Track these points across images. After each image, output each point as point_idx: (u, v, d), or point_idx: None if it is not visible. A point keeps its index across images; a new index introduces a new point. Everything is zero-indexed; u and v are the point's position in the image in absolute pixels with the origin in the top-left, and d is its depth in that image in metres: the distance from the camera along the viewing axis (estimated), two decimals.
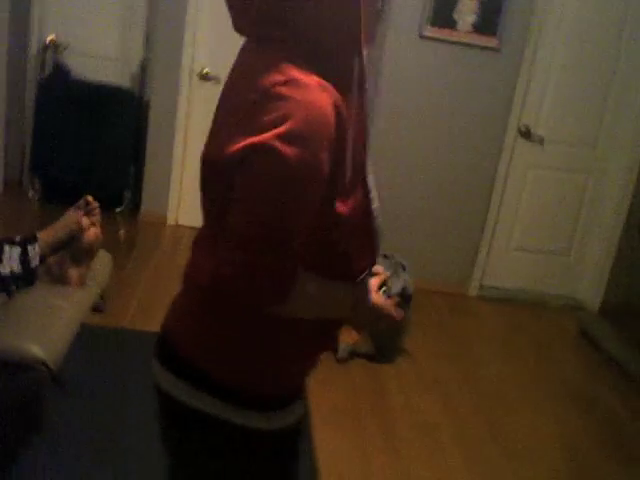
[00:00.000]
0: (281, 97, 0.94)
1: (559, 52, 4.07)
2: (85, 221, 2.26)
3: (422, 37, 3.93)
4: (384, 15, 1.06)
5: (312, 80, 0.96)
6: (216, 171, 1.03)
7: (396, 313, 1.19)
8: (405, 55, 3.96)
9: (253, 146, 0.93)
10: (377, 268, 1.23)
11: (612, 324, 4.01)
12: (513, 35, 3.98)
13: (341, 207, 1.03)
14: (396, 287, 3.34)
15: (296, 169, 0.93)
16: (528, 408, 3.18)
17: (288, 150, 0.91)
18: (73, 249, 2.23)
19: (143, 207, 4.53)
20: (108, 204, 4.31)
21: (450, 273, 4.35)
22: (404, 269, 3.93)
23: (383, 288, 1.21)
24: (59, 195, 4.44)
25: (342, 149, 0.99)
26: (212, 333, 1.09)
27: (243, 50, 1.11)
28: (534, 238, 4.40)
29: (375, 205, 1.13)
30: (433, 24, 3.92)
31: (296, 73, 0.96)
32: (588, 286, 4.41)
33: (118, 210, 4.46)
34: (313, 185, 0.96)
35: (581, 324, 4.12)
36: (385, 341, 3.34)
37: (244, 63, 1.09)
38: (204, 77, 4.33)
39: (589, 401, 3.37)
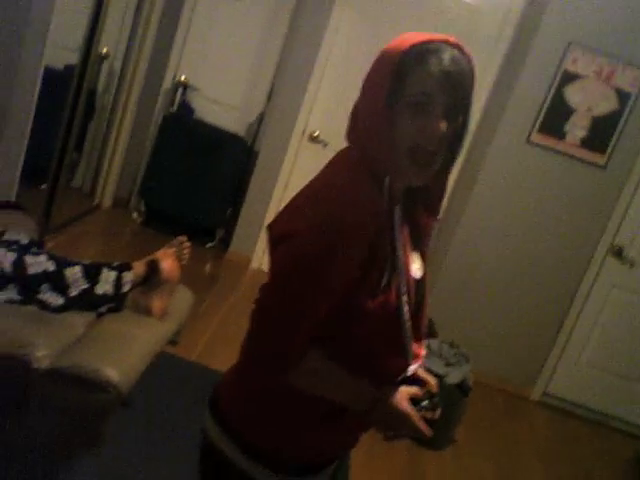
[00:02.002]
0: (327, 198, 1.08)
1: None
2: (161, 254, 2.43)
3: (529, 142, 4.01)
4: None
5: (361, 190, 1.09)
6: (269, 243, 1.18)
7: (424, 428, 1.21)
8: (509, 157, 4.04)
9: (287, 232, 1.08)
10: (427, 378, 1.29)
11: None
12: (622, 156, 4.00)
13: (367, 303, 1.12)
14: (456, 377, 3.36)
15: (315, 259, 1.05)
16: None
17: (313, 241, 1.05)
18: (152, 280, 2.40)
19: (232, 247, 4.75)
20: (201, 239, 4.59)
21: (515, 373, 4.31)
22: (467, 361, 3.95)
23: (424, 403, 1.22)
24: (159, 222, 4.75)
25: (375, 255, 1.10)
26: (245, 398, 1.22)
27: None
28: (608, 358, 4.30)
29: (405, 312, 1.18)
30: (541, 131, 4.00)
31: (350, 181, 1.10)
32: None
33: (208, 245, 4.71)
34: (331, 277, 1.06)
35: (639, 453, 3.98)
36: (439, 427, 3.35)
37: (332, 160, 1.24)
38: (314, 139, 4.55)
39: None
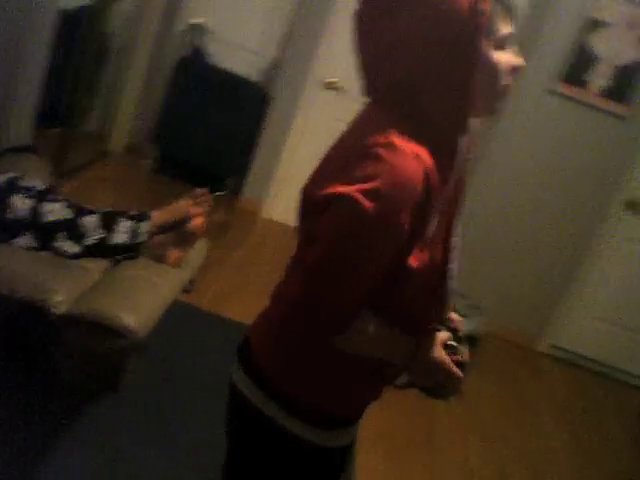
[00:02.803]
0: (376, 157, 1.05)
1: None
2: (193, 210, 2.43)
3: (551, 92, 3.94)
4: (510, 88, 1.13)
5: (408, 147, 1.06)
6: (309, 206, 1.16)
7: (457, 372, 1.22)
8: (529, 107, 3.97)
9: (339, 194, 1.05)
10: (453, 316, 1.31)
11: None
12: None
13: (415, 262, 1.11)
14: (467, 328, 3.38)
15: (372, 223, 1.03)
16: (574, 477, 3.17)
17: (368, 204, 1.02)
18: (178, 234, 2.41)
19: (242, 196, 4.74)
20: (212, 186, 4.55)
21: (524, 324, 4.33)
22: (480, 313, 3.98)
23: (450, 342, 1.24)
24: (172, 168, 4.73)
25: (427, 213, 1.09)
26: (287, 352, 1.21)
27: (367, 107, 1.22)
28: (617, 311, 4.31)
29: (452, 267, 1.20)
30: (565, 80, 3.91)
31: (397, 138, 1.06)
32: None
33: (219, 194, 4.69)
34: (386, 241, 1.06)
35: None
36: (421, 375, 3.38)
37: (362, 117, 1.20)
38: (329, 86, 4.48)
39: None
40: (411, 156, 1.05)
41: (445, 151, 1.12)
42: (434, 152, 1.09)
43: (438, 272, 1.18)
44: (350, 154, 1.10)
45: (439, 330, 1.24)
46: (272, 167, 4.64)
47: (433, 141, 1.09)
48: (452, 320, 1.31)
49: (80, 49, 3.80)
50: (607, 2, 3.79)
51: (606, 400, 4.09)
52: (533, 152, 4.08)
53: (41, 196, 2.26)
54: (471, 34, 1.06)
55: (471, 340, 3.40)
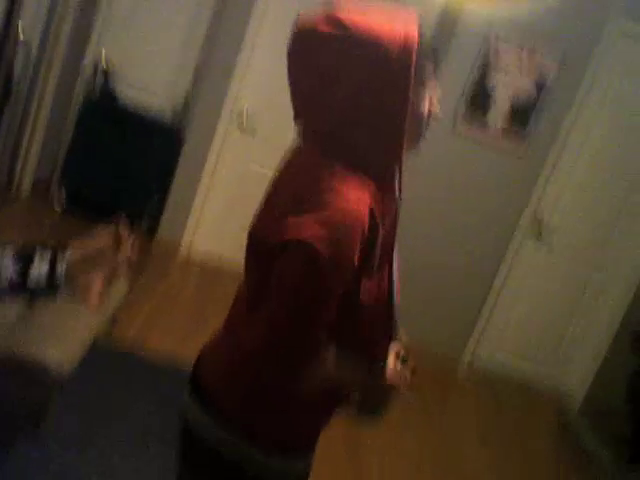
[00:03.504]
0: (324, 205, 1.09)
1: (578, 170, 4.28)
2: (125, 243, 2.37)
3: (453, 131, 4.17)
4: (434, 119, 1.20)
5: (352, 192, 1.11)
6: (260, 249, 1.18)
7: (404, 383, 1.28)
8: (434, 144, 4.16)
9: (295, 241, 1.08)
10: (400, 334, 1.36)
11: (591, 420, 4.10)
12: (539, 143, 4.21)
13: (364, 294, 1.17)
14: (392, 349, 3.43)
15: (328, 267, 1.07)
16: None
17: (323, 250, 1.06)
18: (104, 266, 2.34)
19: (159, 234, 4.67)
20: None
21: (442, 345, 4.45)
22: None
23: (402, 354, 1.31)
24: (82, 209, 4.61)
25: (372, 248, 1.14)
26: (242, 386, 1.22)
27: (302, 145, 1.24)
28: (530, 325, 4.52)
29: (396, 297, 1.27)
30: (465, 121, 4.15)
31: (339, 183, 1.11)
32: (574, 381, 4.49)
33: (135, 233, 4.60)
34: (340, 281, 1.11)
35: (562, 418, 4.22)
36: (366, 402, 3.40)
37: (300, 157, 1.23)
38: (241, 127, 4.52)
39: None
40: (355, 200, 1.10)
41: (384, 186, 1.18)
42: (376, 184, 1.15)
43: (384, 302, 1.24)
44: (297, 199, 1.13)
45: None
46: (188, 206, 4.61)
47: (372, 176, 1.15)
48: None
49: None
50: (500, 47, 4.06)
51: (526, 414, 4.24)
52: (440, 187, 4.28)
53: None
54: (403, 79, 1.11)
55: (402, 360, 3.46)
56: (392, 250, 1.27)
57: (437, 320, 4.44)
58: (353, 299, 1.15)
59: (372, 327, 1.24)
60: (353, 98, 1.11)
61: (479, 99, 4.12)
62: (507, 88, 4.12)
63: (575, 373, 4.52)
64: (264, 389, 1.20)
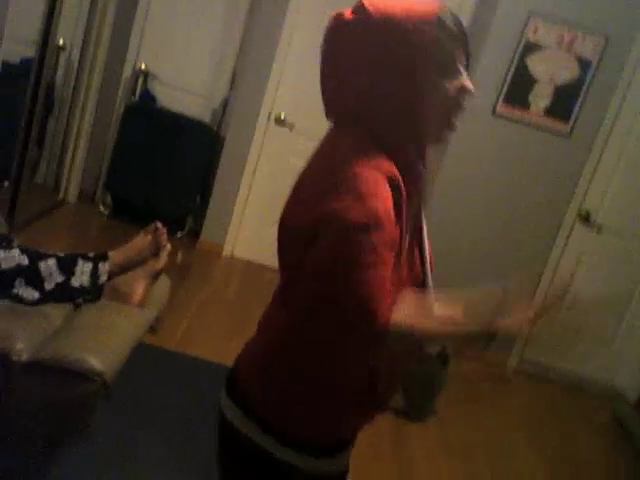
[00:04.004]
0: (355, 177, 1.07)
1: (629, 146, 4.12)
2: (167, 247, 2.40)
3: (495, 114, 4.05)
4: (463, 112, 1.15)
5: (380, 164, 1.09)
6: (293, 236, 1.16)
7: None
8: (475, 129, 4.07)
9: (331, 216, 1.05)
10: None
11: None
12: (585, 123, 4.06)
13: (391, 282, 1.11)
14: (435, 347, 3.39)
15: (358, 223, 1.03)
16: None
17: (349, 215, 1.03)
18: (141, 271, 2.37)
19: (202, 236, 4.71)
20: (170, 228, 4.51)
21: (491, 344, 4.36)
22: None
23: None
24: (127, 213, 4.68)
25: (400, 214, 1.11)
26: (275, 383, 1.21)
27: (327, 134, 1.24)
28: (580, 323, 4.38)
29: (429, 283, 1.23)
30: (507, 102, 4.04)
31: (368, 158, 1.10)
32: (628, 377, 4.36)
33: (179, 235, 4.66)
34: (378, 232, 1.04)
35: (616, 414, 4.08)
36: (418, 399, 3.37)
37: (327, 143, 1.22)
38: (280, 122, 4.52)
39: None
40: (373, 168, 1.08)
41: (406, 173, 1.14)
42: (397, 166, 1.12)
43: (418, 275, 1.21)
44: (326, 183, 1.11)
45: None
46: (230, 206, 4.64)
47: (393, 159, 1.12)
48: None
49: (28, 101, 3.77)
50: (540, 25, 3.95)
51: (575, 413, 4.13)
52: (483, 174, 4.17)
53: None
54: (419, 59, 1.10)
55: (442, 358, 3.42)
56: (420, 237, 1.24)
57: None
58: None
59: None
60: (374, 79, 1.12)
61: (521, 79, 4.01)
62: (549, 67, 4.00)
63: (628, 368, 4.37)
64: (287, 380, 1.19)
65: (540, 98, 4.04)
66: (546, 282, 4.28)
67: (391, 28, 1.10)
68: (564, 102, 4.04)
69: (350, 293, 1.03)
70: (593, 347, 4.41)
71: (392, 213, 1.08)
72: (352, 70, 1.14)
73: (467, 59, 1.16)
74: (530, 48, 3.98)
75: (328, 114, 1.23)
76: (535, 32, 3.96)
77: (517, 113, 4.05)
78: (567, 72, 4.02)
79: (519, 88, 4.02)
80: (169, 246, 2.44)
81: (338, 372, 1.16)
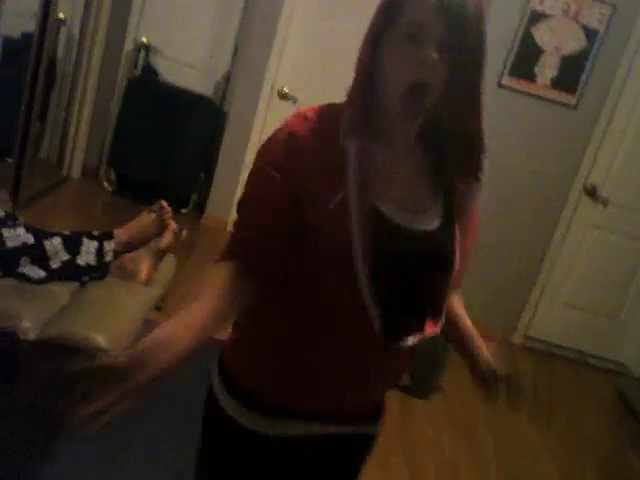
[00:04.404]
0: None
1: (635, 119, 4.08)
2: (172, 226, 2.41)
3: (500, 86, 4.00)
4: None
5: (300, 115, 1.12)
6: None
7: None
8: None
9: None
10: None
11: None
12: (591, 95, 4.02)
13: (315, 235, 1.09)
14: None
15: (250, 178, 1.14)
16: (551, 465, 3.19)
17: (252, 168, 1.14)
18: (147, 249, 2.38)
19: (207, 211, 4.70)
20: (174, 205, 4.51)
21: (496, 319, 4.37)
22: None
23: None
24: (131, 190, 4.67)
25: (315, 188, 1.08)
26: (238, 338, 1.25)
27: None
28: (584, 297, 4.38)
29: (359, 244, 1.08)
30: (512, 74, 3.99)
31: (310, 110, 1.12)
32: (632, 352, 4.38)
33: (183, 211, 4.65)
34: (268, 194, 1.09)
35: (620, 389, 4.09)
36: (422, 376, 3.40)
37: None
38: (283, 95, 4.48)
39: (615, 467, 3.35)
40: (300, 117, 1.12)
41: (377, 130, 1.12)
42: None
43: (343, 252, 1.08)
44: None
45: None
46: (234, 181, 4.61)
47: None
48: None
49: (29, 76, 3.73)
50: None
51: (581, 387, 4.15)
52: (487, 147, 4.13)
53: (0, 223, 2.20)
54: (374, 15, 1.08)
55: (445, 337, 3.41)
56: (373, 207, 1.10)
57: (489, 291, 4.34)
58: (300, 247, 1.10)
59: (326, 283, 1.12)
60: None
61: (527, 50, 3.95)
62: (556, 37, 3.94)
63: (633, 345, 4.38)
64: (244, 329, 1.24)
65: (546, 69, 3.99)
66: (552, 254, 4.27)
67: None
68: (570, 73, 3.99)
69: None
70: (598, 321, 4.42)
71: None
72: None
73: (450, 36, 1.04)
74: (536, 17, 3.92)
75: None
76: (541, 1, 3.90)
77: (523, 84, 4.00)
78: (574, 42, 3.96)
79: (525, 59, 3.97)
80: (174, 225, 2.44)
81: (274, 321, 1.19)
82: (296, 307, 1.15)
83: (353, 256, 1.06)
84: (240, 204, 1.14)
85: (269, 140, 1.13)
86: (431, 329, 1.19)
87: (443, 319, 1.22)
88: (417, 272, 1.14)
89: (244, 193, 1.14)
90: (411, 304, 1.16)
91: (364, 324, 1.11)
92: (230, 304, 1.05)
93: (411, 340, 1.16)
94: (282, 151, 1.09)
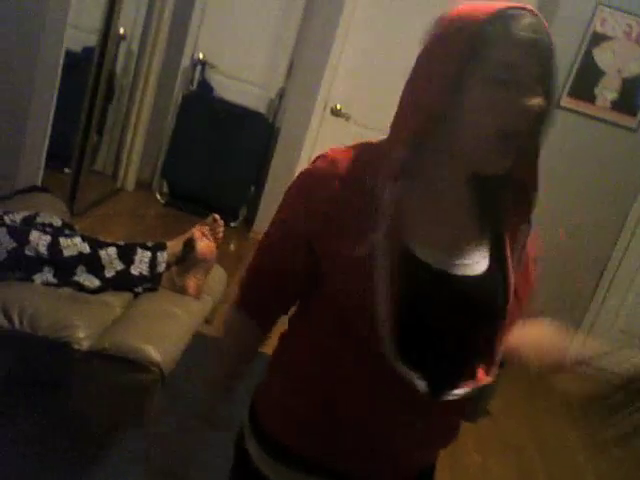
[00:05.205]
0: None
1: None
2: (197, 233, 2.41)
3: (559, 107, 3.93)
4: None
5: (331, 156, 1.02)
6: None
7: None
8: None
9: None
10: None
11: None
12: None
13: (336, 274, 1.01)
14: None
15: (275, 216, 1.09)
16: None
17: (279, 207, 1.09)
18: (191, 261, 2.38)
19: (256, 226, 4.72)
20: (224, 218, 4.54)
21: None
22: None
23: None
24: (183, 201, 4.73)
25: (343, 225, 0.98)
26: (268, 385, 1.17)
27: None
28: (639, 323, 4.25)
29: (385, 288, 0.98)
30: (571, 95, 3.91)
31: (340, 151, 1.03)
32: None
33: (232, 225, 4.68)
34: (281, 242, 1.07)
35: None
36: (471, 400, 3.32)
37: None
38: (336, 113, 4.49)
39: None
40: (327, 159, 1.02)
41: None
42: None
43: (360, 295, 0.97)
44: None
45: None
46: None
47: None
48: None
49: (89, 89, 3.82)
50: (609, 16, 3.81)
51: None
52: (546, 169, 4.03)
53: (58, 232, 2.24)
54: (450, 54, 0.94)
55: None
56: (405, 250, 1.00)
57: (543, 314, 4.24)
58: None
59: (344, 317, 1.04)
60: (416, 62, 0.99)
61: (587, 71, 3.88)
62: (617, 59, 3.85)
63: None
64: (275, 375, 1.19)
65: (607, 91, 3.90)
66: (607, 279, 4.15)
67: (444, 27, 0.95)
68: (631, 95, 3.90)
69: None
70: None
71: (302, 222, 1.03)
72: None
73: (545, 75, 0.95)
74: (597, 39, 3.84)
75: None
76: (602, 23, 3.82)
77: (583, 106, 3.92)
78: (635, 64, 3.87)
79: (585, 80, 3.89)
80: (221, 235, 2.45)
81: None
82: (320, 346, 1.05)
83: (376, 317, 0.94)
84: (260, 245, 1.12)
85: (292, 184, 1.07)
86: (484, 377, 1.08)
87: (498, 364, 1.11)
88: (460, 323, 1.02)
89: (264, 234, 1.12)
90: (457, 357, 1.05)
91: (401, 381, 0.98)
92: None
93: (461, 391, 1.05)
94: (302, 196, 1.03)
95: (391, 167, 0.96)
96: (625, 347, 1.08)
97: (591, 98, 3.91)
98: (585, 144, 4.00)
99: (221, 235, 2.52)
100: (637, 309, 4.22)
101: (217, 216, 2.54)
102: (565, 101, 3.92)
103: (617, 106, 3.91)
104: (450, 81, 0.92)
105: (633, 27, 3.82)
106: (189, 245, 2.40)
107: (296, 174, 1.10)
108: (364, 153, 1.02)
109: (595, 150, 4.00)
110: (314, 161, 1.05)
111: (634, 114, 3.91)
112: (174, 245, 2.41)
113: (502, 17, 0.93)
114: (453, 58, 0.92)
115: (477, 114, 0.94)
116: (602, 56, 3.87)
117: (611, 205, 4.06)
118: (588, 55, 3.86)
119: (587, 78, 3.88)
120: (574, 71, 3.89)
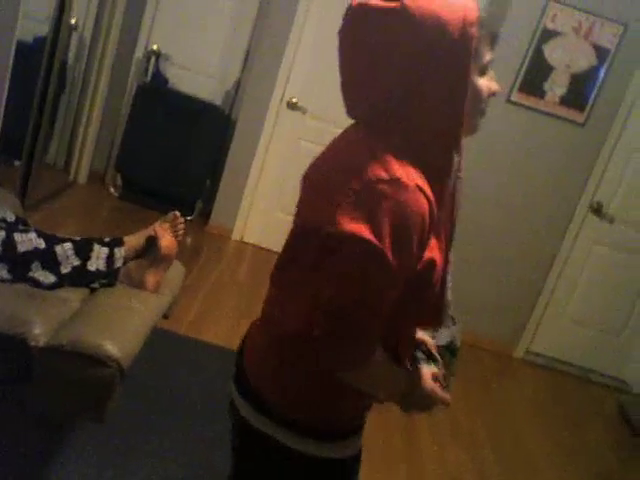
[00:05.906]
0: (383, 195, 1.02)
1: None
2: (159, 230, 2.40)
3: (509, 101, 4.02)
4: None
5: (411, 180, 1.04)
6: (310, 238, 1.12)
7: (445, 396, 1.27)
8: (489, 117, 4.03)
9: (355, 236, 1.02)
10: (424, 338, 1.35)
11: None
12: (600, 113, 4.03)
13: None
14: (444, 339, 3.39)
15: (387, 266, 1.03)
16: (552, 478, 3.19)
17: (385, 250, 1.02)
18: (151, 257, 2.37)
19: (212, 219, 4.70)
20: (180, 211, 4.50)
21: (499, 332, 4.37)
22: (454, 322, 3.99)
23: (431, 364, 1.30)
24: (137, 195, 4.67)
25: (428, 237, 1.09)
26: (284, 380, 1.20)
27: (350, 129, 1.18)
28: (588, 314, 4.38)
29: (450, 281, 1.23)
30: (521, 90, 4.00)
31: (398, 170, 1.04)
32: (635, 369, 4.37)
33: (188, 219, 4.65)
34: (399, 277, 1.06)
35: (621, 405, 4.09)
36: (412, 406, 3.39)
37: (349, 142, 1.16)
38: (292, 106, 4.50)
39: None
40: (416, 191, 1.04)
41: (440, 172, 1.11)
42: (427, 173, 1.07)
43: (439, 290, 1.19)
44: (351, 190, 1.05)
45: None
46: (240, 190, 4.62)
47: (427, 163, 1.08)
48: (425, 341, 1.38)
49: (41, 80, 3.74)
50: (558, 12, 3.90)
51: (584, 403, 4.14)
52: (496, 162, 4.15)
53: (11, 227, 2.20)
54: (463, 57, 1.05)
55: (451, 350, 3.41)
56: (449, 240, 1.22)
57: (493, 305, 4.35)
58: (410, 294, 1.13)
59: (419, 321, 1.25)
60: (409, 75, 1.05)
61: (537, 67, 3.97)
62: (566, 55, 3.96)
63: (636, 362, 4.37)
64: (298, 373, 1.18)
65: (556, 86, 4.00)
66: (557, 270, 4.27)
67: (433, 20, 1.03)
68: (580, 91, 4.01)
69: (353, 336, 1.09)
70: (601, 338, 4.41)
71: (416, 252, 1.07)
72: (387, 62, 1.05)
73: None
74: (547, 35, 3.94)
75: (350, 111, 1.15)
76: (553, 19, 3.92)
77: (532, 101, 4.02)
78: (584, 60, 3.98)
79: (535, 76, 3.98)
80: (180, 237, 2.45)
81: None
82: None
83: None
84: (372, 289, 1.07)
85: (411, 216, 1.04)
86: None
87: None
88: None
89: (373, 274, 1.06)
90: None
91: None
92: None
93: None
94: (427, 223, 1.07)
95: (452, 170, 1.15)
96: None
97: (541, 93, 4.01)
98: (534, 138, 4.10)
99: (182, 232, 2.51)
100: (585, 300, 4.35)
101: (178, 213, 2.53)
102: (515, 96, 4.01)
103: (566, 101, 4.02)
104: (467, 72, 1.08)
105: (582, 23, 3.92)
106: (152, 242, 2.39)
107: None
108: (411, 166, 1.07)
109: (544, 144, 4.11)
110: (394, 194, 1.03)
111: (582, 109, 4.03)
112: (133, 240, 2.40)
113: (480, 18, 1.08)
114: (468, 54, 1.06)
115: (475, 94, 1.14)
116: (552, 52, 3.97)
117: (560, 198, 4.18)
118: (538, 51, 3.96)
119: (537, 73, 3.98)
120: (524, 67, 3.98)
